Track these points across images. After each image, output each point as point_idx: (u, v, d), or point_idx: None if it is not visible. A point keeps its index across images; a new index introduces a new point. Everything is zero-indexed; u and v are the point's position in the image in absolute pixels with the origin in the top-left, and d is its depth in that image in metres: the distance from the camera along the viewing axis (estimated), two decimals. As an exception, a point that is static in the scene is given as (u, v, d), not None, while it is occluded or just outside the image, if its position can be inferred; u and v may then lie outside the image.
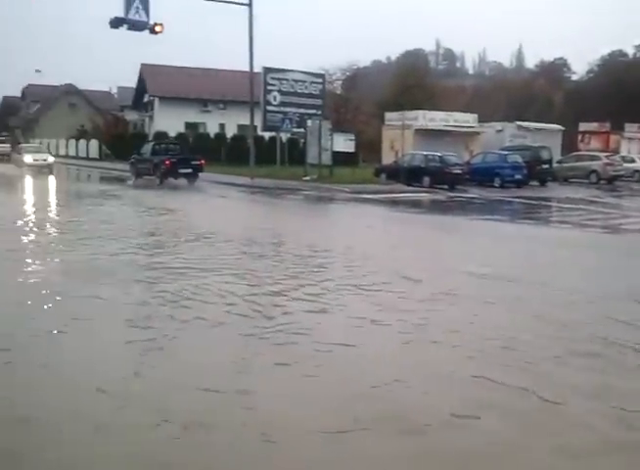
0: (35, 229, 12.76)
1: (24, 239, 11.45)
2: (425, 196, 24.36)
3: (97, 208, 17.61)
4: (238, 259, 9.69)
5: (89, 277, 8.18)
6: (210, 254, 10.01)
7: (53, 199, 21.39)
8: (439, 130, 35.83)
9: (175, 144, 31.84)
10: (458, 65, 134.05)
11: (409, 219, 17.42)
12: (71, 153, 54.84)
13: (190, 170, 27.19)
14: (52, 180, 29.09)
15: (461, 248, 11.97)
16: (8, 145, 52.79)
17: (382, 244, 12.30)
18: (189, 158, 28.10)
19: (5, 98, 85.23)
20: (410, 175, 27.67)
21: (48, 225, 13.50)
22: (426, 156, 28.41)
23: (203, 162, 28.10)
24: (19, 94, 78.50)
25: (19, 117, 77.21)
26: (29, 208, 17.73)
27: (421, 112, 37.55)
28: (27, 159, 34.08)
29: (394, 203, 21.43)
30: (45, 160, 34.81)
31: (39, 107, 70.86)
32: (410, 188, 26.17)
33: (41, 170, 32.85)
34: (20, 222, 13.61)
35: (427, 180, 27.29)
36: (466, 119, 39.07)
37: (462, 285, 8.11)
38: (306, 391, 4.62)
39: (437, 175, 27.21)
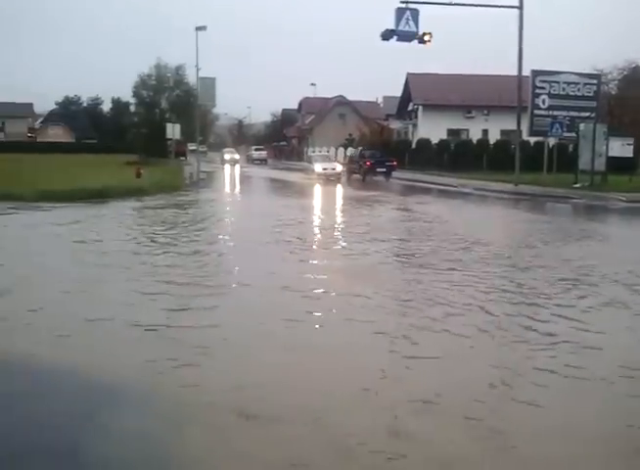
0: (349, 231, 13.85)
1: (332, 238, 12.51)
2: None
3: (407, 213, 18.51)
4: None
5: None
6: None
7: (340, 207, 21.85)
8: None
9: (376, 150, 39.33)
10: None
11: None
12: (340, 160, 58.36)
13: (384, 169, 35.16)
14: (339, 189, 28.80)
15: None
16: (265, 152, 67.70)
17: None
18: (385, 160, 35.98)
19: (284, 110, 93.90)
20: (701, 183, 24.54)
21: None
22: None
23: (395, 163, 36.13)
24: (295, 106, 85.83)
25: (295, 127, 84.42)
26: (325, 214, 19.25)
27: None
28: (317, 168, 34.50)
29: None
30: (334, 169, 35.04)
31: (313, 118, 76.60)
32: (701, 197, 23.17)
33: (329, 179, 33.10)
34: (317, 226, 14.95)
35: None
36: None
37: None
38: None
39: None
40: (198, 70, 34.53)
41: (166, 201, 19.97)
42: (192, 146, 64.13)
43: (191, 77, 52.39)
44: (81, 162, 40.22)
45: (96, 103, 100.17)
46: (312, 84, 77.69)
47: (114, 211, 16.82)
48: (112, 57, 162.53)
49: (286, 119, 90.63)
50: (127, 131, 62.95)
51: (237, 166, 52.89)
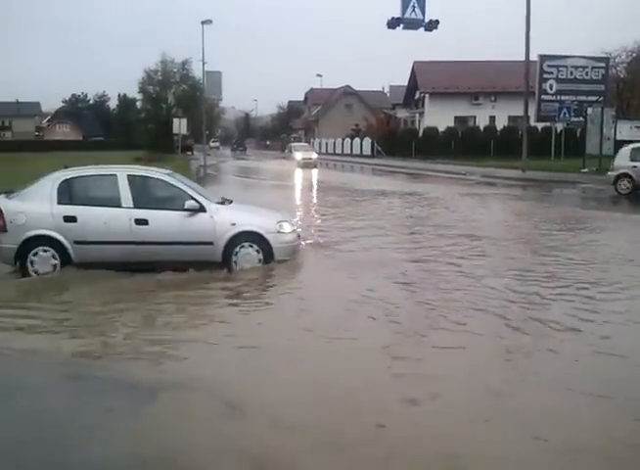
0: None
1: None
2: None
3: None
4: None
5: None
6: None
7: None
8: None
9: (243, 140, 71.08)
10: None
11: None
12: (346, 151, 58.25)
13: (242, 149, 66.42)
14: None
15: None
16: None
17: None
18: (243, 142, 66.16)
19: (290, 102, 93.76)
20: None
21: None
22: None
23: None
24: (302, 98, 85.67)
25: (301, 119, 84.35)
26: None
27: None
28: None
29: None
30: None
31: (319, 109, 76.47)
32: None
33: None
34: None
35: None
36: None
37: None
38: None
39: None
40: (204, 64, 34.48)
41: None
42: (214, 143, 70.27)
43: (197, 71, 52.56)
44: (90, 159, 40.18)
45: (103, 100, 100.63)
46: (318, 75, 77.58)
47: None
48: (118, 53, 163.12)
49: (292, 111, 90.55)
50: (134, 127, 63.18)
51: (314, 171, 33.84)
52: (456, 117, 48.96)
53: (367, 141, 54.20)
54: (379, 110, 63.20)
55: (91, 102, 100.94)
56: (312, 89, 79.50)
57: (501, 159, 35.13)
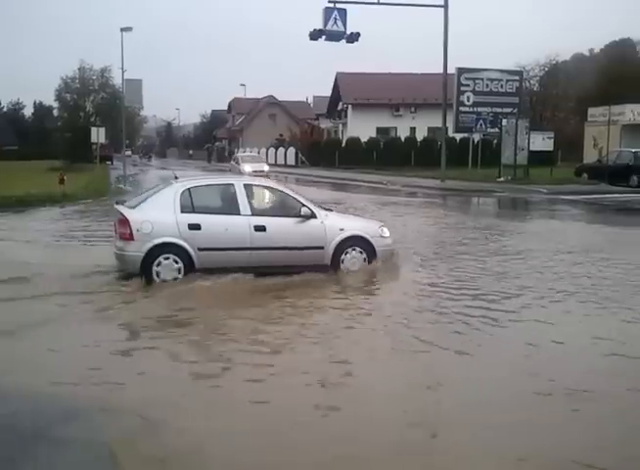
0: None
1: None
2: (634, 196, 22.40)
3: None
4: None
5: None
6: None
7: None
8: (651, 125, 32.85)
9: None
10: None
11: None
12: (271, 161, 58.04)
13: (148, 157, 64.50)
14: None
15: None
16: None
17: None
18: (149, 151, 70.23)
19: (213, 111, 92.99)
20: (615, 175, 25.72)
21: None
22: (634, 153, 26.23)
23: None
24: (225, 107, 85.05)
25: (225, 128, 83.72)
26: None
27: (629, 106, 34.65)
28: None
29: (600, 205, 19.99)
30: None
31: (243, 118, 76.14)
32: (615, 188, 24.30)
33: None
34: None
35: (635, 180, 25.25)
36: (683, 112, 35.31)
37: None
38: None
39: (648, 174, 24.92)
40: (123, 71, 33.66)
41: (87, 207, 19.32)
42: (127, 152, 62.72)
43: (117, 79, 51.32)
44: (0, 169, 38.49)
45: (17, 108, 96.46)
46: (242, 85, 77.32)
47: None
48: (33, 59, 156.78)
49: (216, 121, 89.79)
50: (51, 136, 61.03)
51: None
52: (378, 128, 49.74)
53: (291, 151, 54.29)
54: (303, 120, 63.52)
55: (5, 110, 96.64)
56: (236, 98, 79.06)
57: (421, 169, 35.90)
